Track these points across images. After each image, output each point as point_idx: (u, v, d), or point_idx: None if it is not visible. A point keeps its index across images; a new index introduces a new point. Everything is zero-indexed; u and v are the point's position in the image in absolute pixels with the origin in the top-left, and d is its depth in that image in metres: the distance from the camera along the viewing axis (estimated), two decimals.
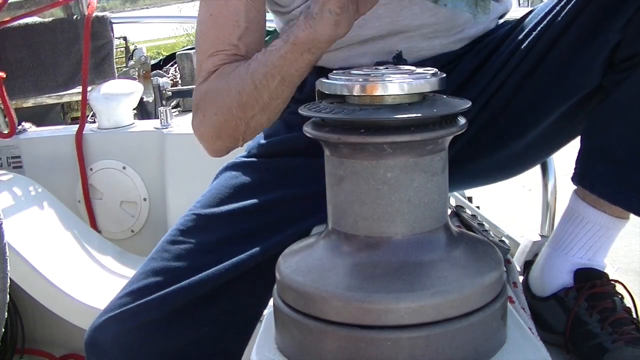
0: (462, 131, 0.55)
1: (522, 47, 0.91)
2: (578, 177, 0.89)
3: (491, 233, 0.86)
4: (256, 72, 0.79)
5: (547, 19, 0.89)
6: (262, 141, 0.99)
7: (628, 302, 0.92)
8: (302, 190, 0.91)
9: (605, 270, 0.95)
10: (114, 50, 2.13)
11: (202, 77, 0.87)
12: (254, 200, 0.92)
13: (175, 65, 5.44)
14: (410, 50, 0.92)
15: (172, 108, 3.85)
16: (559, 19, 0.87)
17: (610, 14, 0.82)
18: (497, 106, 0.94)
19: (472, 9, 0.73)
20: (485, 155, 0.99)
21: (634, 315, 0.91)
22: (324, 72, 0.96)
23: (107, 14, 2.05)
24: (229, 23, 0.86)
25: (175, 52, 6.04)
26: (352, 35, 0.91)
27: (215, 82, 0.85)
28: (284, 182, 0.93)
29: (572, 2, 0.86)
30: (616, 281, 0.94)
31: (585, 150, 0.89)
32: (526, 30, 0.92)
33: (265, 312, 0.68)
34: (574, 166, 0.91)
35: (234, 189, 0.94)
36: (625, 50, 0.82)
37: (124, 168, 1.80)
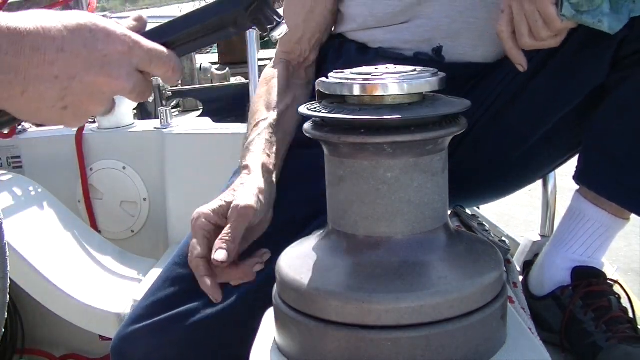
0: (462, 131, 0.55)
1: (531, 50, 0.90)
2: (578, 175, 0.89)
3: (491, 233, 0.86)
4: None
5: None
6: None
7: (625, 301, 0.93)
8: (324, 185, 0.89)
9: (605, 270, 0.95)
10: None
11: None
12: (276, 200, 0.88)
13: None
14: (452, 50, 0.92)
15: (172, 108, 3.85)
16: None
17: None
18: (502, 107, 0.93)
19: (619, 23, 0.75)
20: (487, 164, 0.98)
21: (631, 315, 0.91)
22: (365, 49, 0.97)
23: (107, 14, 2.06)
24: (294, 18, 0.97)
25: None
26: (406, 21, 0.92)
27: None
28: (304, 177, 0.89)
29: None
30: (614, 281, 0.94)
31: (586, 148, 0.89)
32: None
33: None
34: (574, 166, 0.92)
35: None
36: (629, 47, 0.82)
37: (124, 168, 1.80)
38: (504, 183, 1.04)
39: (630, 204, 0.86)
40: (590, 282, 0.91)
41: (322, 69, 1.02)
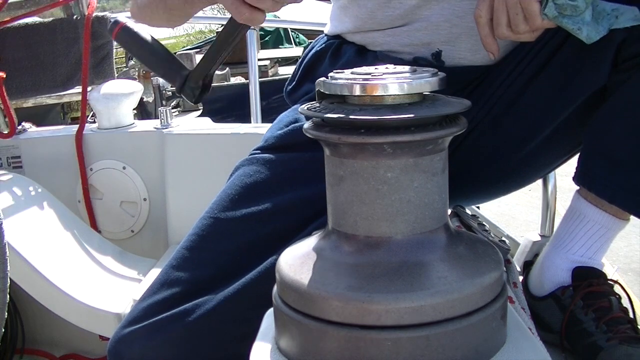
0: (462, 131, 0.55)
1: (530, 52, 0.91)
2: (578, 176, 0.89)
3: (491, 233, 0.86)
4: None
5: (553, 28, 0.89)
6: (280, 131, 0.96)
7: (626, 302, 0.93)
8: (321, 187, 0.90)
9: (604, 270, 0.95)
10: (114, 50, 2.13)
11: None
12: (273, 202, 0.89)
13: None
14: (452, 54, 0.92)
15: (172, 108, 3.86)
16: None
17: None
18: (502, 109, 0.94)
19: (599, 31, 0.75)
20: (487, 165, 0.98)
21: (632, 316, 0.91)
22: (363, 52, 0.97)
23: (107, 14, 2.05)
24: None
25: (175, 52, 6.05)
26: (405, 24, 0.92)
27: None
28: (301, 179, 0.90)
29: None
30: (614, 281, 0.94)
31: (586, 150, 0.89)
32: (535, 42, 0.92)
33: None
34: (574, 166, 0.92)
35: (250, 190, 0.91)
36: (629, 50, 0.82)
37: (124, 168, 1.80)
38: (504, 183, 1.04)
39: (631, 206, 0.86)
40: (590, 282, 0.91)
41: (319, 69, 1.02)
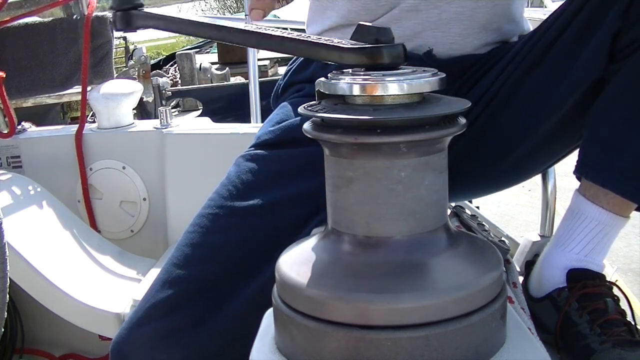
0: (462, 131, 0.55)
1: (526, 46, 0.92)
2: (576, 168, 0.90)
3: (491, 233, 0.86)
4: None
5: (548, 21, 0.91)
6: (271, 128, 0.96)
7: (624, 304, 0.92)
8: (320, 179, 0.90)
9: (605, 271, 0.94)
10: (113, 50, 2.13)
11: None
12: (272, 196, 0.89)
13: (175, 65, 5.45)
14: (444, 41, 0.94)
15: (172, 108, 3.86)
16: (561, 17, 0.89)
17: (609, 3, 0.83)
18: (499, 105, 0.94)
19: None
20: (486, 161, 0.98)
21: (630, 317, 0.90)
22: None
23: (107, 13, 2.05)
24: None
25: (175, 52, 6.05)
26: (396, 14, 0.94)
27: None
28: (303, 173, 0.90)
29: (573, 2, 0.88)
30: (613, 283, 0.93)
31: (585, 140, 0.90)
32: (530, 35, 0.94)
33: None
34: (573, 166, 0.92)
35: (247, 186, 0.90)
36: (625, 39, 0.83)
37: (123, 168, 1.80)
38: (504, 178, 1.04)
39: (623, 190, 0.86)
40: (585, 283, 0.91)
41: (308, 70, 1.02)
